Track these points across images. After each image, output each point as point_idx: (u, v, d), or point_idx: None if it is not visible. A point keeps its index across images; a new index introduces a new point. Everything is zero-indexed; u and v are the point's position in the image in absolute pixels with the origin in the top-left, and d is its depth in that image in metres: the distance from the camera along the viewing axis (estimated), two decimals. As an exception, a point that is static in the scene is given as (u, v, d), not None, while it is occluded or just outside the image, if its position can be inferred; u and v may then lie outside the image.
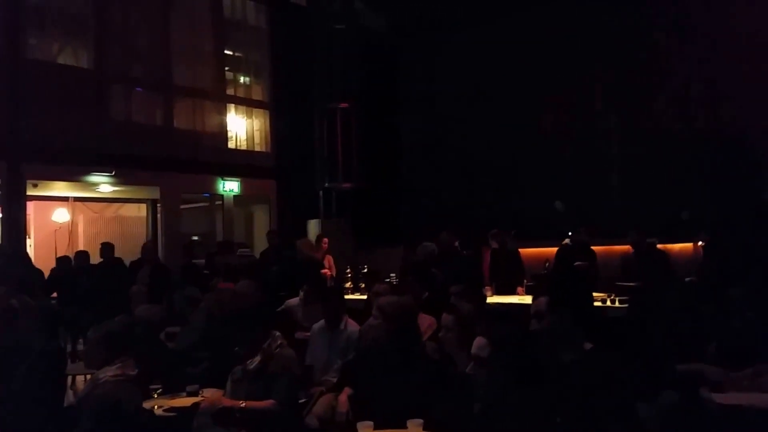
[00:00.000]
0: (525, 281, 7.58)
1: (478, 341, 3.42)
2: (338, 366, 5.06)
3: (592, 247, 7.94)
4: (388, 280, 7.72)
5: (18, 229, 9.72)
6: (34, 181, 10.26)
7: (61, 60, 11.17)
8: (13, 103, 9.59)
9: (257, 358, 3.75)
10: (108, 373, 3.40)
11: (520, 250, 8.27)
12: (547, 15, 10.94)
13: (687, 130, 9.99)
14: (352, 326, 5.28)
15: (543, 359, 3.25)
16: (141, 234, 12.54)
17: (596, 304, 6.31)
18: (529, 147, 11.07)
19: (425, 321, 5.21)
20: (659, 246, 7.60)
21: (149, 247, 10.18)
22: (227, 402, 3.65)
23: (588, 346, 3.42)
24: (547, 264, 7.87)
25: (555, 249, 8.29)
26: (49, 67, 10.53)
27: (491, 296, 7.38)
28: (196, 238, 12.79)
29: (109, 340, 3.62)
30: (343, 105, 12.07)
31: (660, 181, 9.65)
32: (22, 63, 9.80)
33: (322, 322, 5.34)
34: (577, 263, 7.58)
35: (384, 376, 3.83)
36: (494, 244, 8.37)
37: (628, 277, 6.83)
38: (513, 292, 7.52)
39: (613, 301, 6.37)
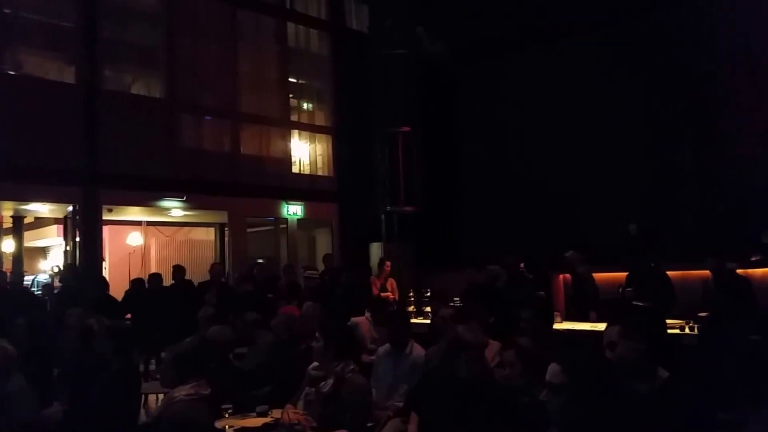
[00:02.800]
0: (597, 307, 7.32)
1: (552, 368, 3.33)
2: (404, 391, 4.99)
3: (668, 272, 7.60)
4: (451, 304, 7.63)
5: (94, 252, 10.11)
6: (110, 206, 10.67)
7: (134, 90, 11.71)
8: (90, 132, 10.04)
9: (330, 381, 3.76)
10: (182, 392, 3.47)
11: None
12: (609, 37, 10.78)
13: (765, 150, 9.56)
14: (417, 350, 5.20)
15: (618, 388, 3.12)
16: (209, 257, 12.88)
17: (673, 331, 6.07)
18: (594, 168, 10.81)
19: (493, 347, 5.11)
20: (740, 271, 7.23)
21: (217, 270, 10.45)
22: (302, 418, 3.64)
23: (664, 374, 3.27)
24: (620, 290, 7.57)
25: (624, 274, 7.98)
26: (124, 98, 11.02)
27: (560, 322, 7.18)
28: (261, 261, 13.02)
29: (183, 361, 3.70)
30: (405, 129, 12.15)
31: (738, 202, 9.24)
32: (98, 94, 10.26)
33: (387, 345, 5.29)
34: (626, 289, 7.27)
35: (452, 403, 3.77)
36: (567, 268, 8.14)
37: (708, 305, 6.54)
38: (584, 318, 7.29)
39: (691, 329, 6.10)
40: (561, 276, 9.34)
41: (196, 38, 11.66)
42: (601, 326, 6.47)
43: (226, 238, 12.72)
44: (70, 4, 10.29)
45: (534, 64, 11.67)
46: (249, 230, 12.61)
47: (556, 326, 6.94)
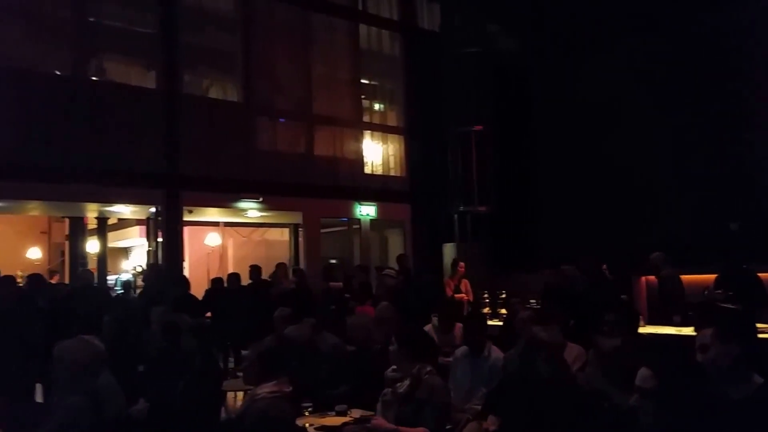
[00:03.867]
0: (684, 310, 6.98)
1: (642, 372, 3.16)
2: (482, 394, 4.89)
3: (759, 274, 7.17)
4: (528, 305, 7.45)
5: (176, 252, 10.45)
6: (190, 208, 11.00)
7: (212, 94, 12.06)
8: (171, 135, 10.39)
9: (406, 382, 3.73)
10: (265, 389, 3.51)
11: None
12: (685, 32, 10.30)
13: None
14: (496, 353, 5.10)
15: (712, 394, 2.96)
16: (284, 257, 13.10)
17: (764, 336, 5.71)
18: (679, 165, 10.34)
19: (573, 350, 4.94)
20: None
21: (285, 268, 10.61)
22: (388, 426, 3.63)
23: (759, 380, 3.07)
24: (705, 292, 7.20)
25: (710, 276, 7.57)
26: (202, 102, 11.37)
27: (643, 326, 6.89)
28: (334, 261, 13.15)
29: (266, 359, 3.75)
30: (478, 128, 11.99)
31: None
32: (178, 98, 10.59)
33: (465, 348, 5.21)
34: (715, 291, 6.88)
35: (533, 405, 3.66)
36: (651, 270, 7.80)
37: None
38: (668, 322, 6.96)
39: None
40: (643, 278, 8.99)
41: (271, 42, 11.88)
42: (686, 330, 6.17)
43: (300, 239, 12.93)
44: (150, 11, 10.67)
45: (611, 60, 11.27)
46: (322, 231, 12.75)
47: (640, 330, 6.66)
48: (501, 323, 7.50)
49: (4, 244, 13.43)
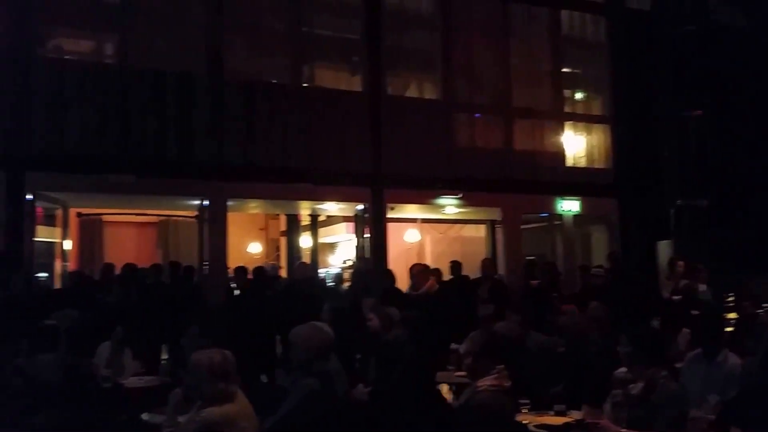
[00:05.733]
0: None
1: None
2: (716, 402, 4.43)
3: None
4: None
5: (381, 247, 10.86)
6: (392, 205, 11.37)
7: (413, 94, 12.35)
8: (376, 136, 10.79)
9: (639, 385, 3.48)
10: (486, 382, 3.48)
11: None
12: None
13: None
14: (732, 359, 4.62)
15: None
16: (480, 253, 13.01)
17: None
18: None
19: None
20: None
21: (488, 264, 10.50)
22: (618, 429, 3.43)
23: None
24: None
25: None
26: (404, 102, 11.68)
27: None
28: (532, 258, 12.80)
29: (482, 353, 3.70)
30: (697, 113, 10.90)
31: None
32: (382, 100, 10.96)
33: (698, 351, 4.76)
34: None
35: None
36: None
37: None
38: None
39: None
40: None
41: (470, 37, 11.85)
42: None
43: (497, 235, 12.74)
44: (356, 17, 11.19)
45: None
46: (521, 227, 12.45)
47: None
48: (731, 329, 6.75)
49: (231, 239, 14.94)
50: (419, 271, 8.78)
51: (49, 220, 10.49)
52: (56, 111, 8.93)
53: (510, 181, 11.63)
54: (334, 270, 14.20)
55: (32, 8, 8.91)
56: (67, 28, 9.99)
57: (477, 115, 12.13)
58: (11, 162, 8.57)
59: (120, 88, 9.32)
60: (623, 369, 3.80)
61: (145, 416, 4.48)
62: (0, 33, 8.81)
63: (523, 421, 3.88)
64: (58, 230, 10.70)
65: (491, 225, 13.08)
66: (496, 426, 3.28)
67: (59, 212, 10.71)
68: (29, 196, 8.77)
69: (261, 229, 15.89)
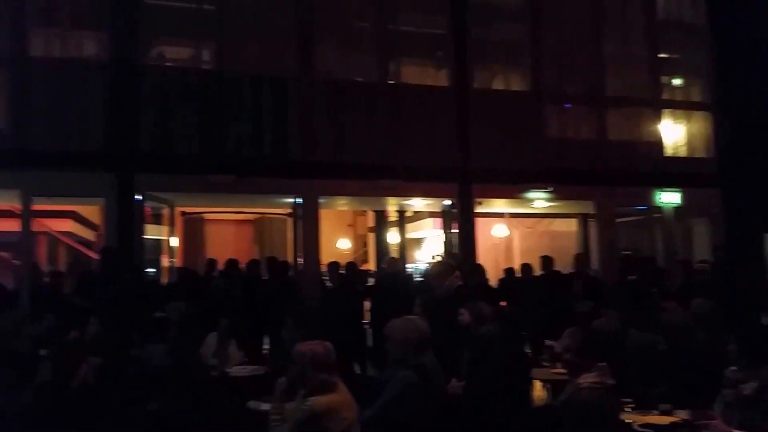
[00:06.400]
0: None
1: None
2: None
3: None
4: None
5: (470, 243, 10.80)
6: (480, 200, 11.28)
7: (500, 86, 12.17)
8: (463, 130, 10.74)
9: (752, 384, 3.32)
10: (588, 379, 3.41)
11: None
12: None
13: None
14: None
15: None
16: (571, 248, 12.70)
17: None
18: None
19: None
20: None
21: (581, 259, 10.22)
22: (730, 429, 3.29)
23: None
24: None
25: None
26: (491, 95, 11.54)
27: None
28: (628, 252, 12.36)
29: (584, 349, 3.63)
30: (813, 97, 10.15)
31: None
32: (468, 93, 10.90)
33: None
34: None
35: None
36: None
37: None
38: None
39: None
40: None
41: (560, 25, 11.54)
42: None
43: (590, 229, 12.37)
44: (441, 12, 11.16)
45: None
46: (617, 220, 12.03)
47: None
48: None
49: (321, 235, 15.30)
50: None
51: (157, 219, 11.16)
52: (161, 116, 9.47)
53: (604, 172, 11.26)
54: (422, 265, 14.26)
55: (138, 20, 9.47)
56: (168, 37, 10.54)
57: (567, 105, 11.83)
58: (122, 165, 9.15)
59: (218, 92, 9.76)
60: (734, 368, 3.62)
61: (251, 404, 4.68)
62: (111, 46, 9.43)
63: (627, 420, 3.77)
64: (164, 228, 11.36)
65: (583, 219, 12.71)
66: (600, 424, 3.21)
67: (166, 211, 11.37)
68: (138, 197, 9.32)
69: (349, 226, 16.18)
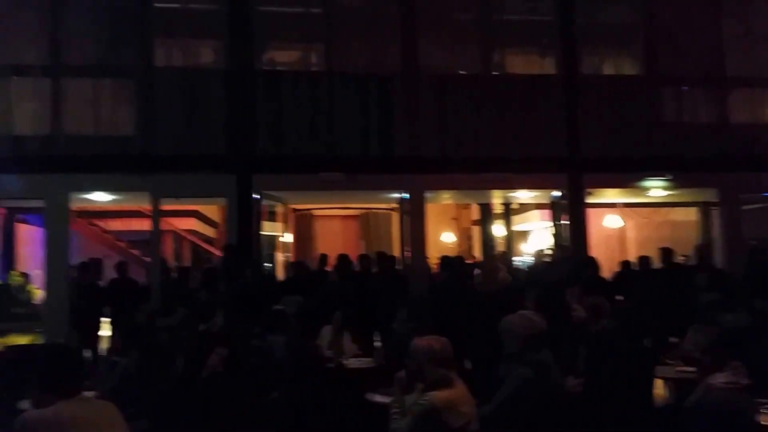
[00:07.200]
0: None
1: None
2: None
3: None
4: None
5: (580, 234, 10.46)
6: (590, 190, 10.91)
7: (610, 71, 11.70)
8: (571, 118, 10.40)
9: None
10: (720, 379, 3.26)
11: None
12: None
13: None
14: None
15: None
16: (691, 238, 12.06)
17: None
18: None
19: None
20: None
21: (704, 250, 9.67)
22: None
23: None
24: None
25: None
26: (601, 81, 11.09)
27: None
28: (754, 241, 11.54)
29: (715, 347, 3.47)
30: None
31: None
32: (576, 80, 10.56)
33: None
34: None
35: None
36: None
37: None
38: None
39: None
40: None
41: (674, 2, 10.93)
42: None
43: (712, 218, 11.64)
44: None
45: None
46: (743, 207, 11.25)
47: None
48: None
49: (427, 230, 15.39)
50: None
51: (271, 216, 11.67)
52: (275, 118, 9.88)
53: (727, 158, 10.55)
54: (529, 258, 14.02)
55: (252, 28, 9.91)
56: (279, 42, 10.96)
57: (684, 88, 11.19)
58: (241, 166, 9.64)
59: (327, 93, 10.03)
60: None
61: (369, 396, 4.81)
62: (227, 53, 9.95)
63: (764, 423, 3.55)
64: (279, 225, 11.88)
65: (704, 207, 11.99)
66: (733, 427, 3.06)
67: (280, 209, 11.86)
68: (256, 196, 9.78)
69: (453, 219, 16.16)
